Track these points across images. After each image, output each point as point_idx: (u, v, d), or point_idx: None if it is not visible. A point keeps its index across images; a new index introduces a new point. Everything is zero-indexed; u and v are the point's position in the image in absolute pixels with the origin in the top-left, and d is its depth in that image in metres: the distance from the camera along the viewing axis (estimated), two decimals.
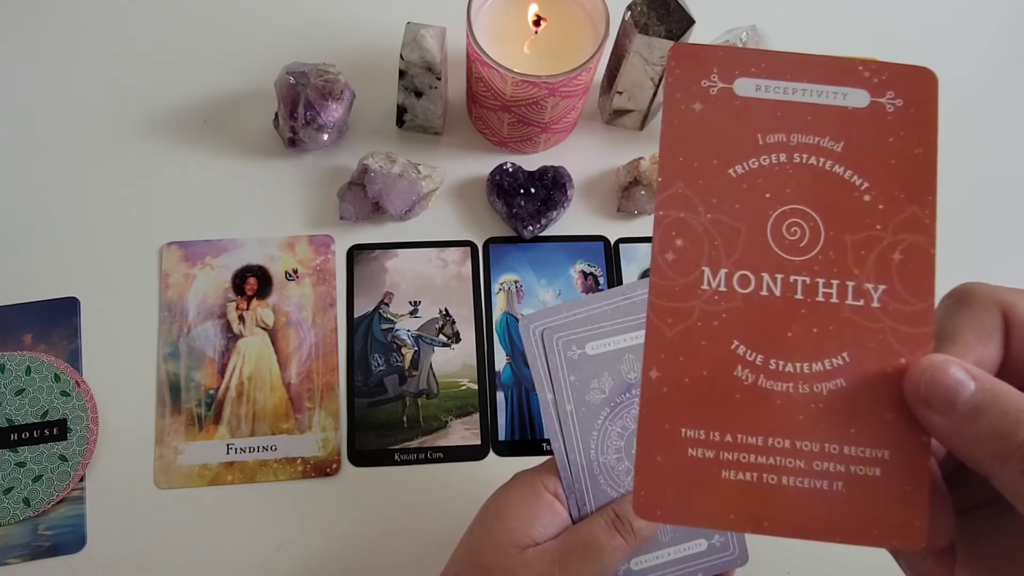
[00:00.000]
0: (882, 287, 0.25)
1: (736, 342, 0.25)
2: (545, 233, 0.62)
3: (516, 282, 0.61)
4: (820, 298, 0.25)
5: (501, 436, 0.57)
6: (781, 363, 0.25)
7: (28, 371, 0.55)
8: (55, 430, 0.54)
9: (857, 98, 0.26)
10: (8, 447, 0.53)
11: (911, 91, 0.26)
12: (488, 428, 0.57)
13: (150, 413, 0.56)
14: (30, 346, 0.56)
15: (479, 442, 0.57)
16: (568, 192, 0.61)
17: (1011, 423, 0.22)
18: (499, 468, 0.56)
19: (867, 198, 0.25)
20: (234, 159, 0.62)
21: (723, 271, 0.25)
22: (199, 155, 0.62)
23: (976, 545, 0.27)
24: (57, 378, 0.55)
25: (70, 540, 0.53)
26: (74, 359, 0.56)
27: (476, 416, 0.57)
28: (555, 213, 0.60)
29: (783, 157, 0.25)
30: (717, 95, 0.26)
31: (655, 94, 0.60)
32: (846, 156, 0.25)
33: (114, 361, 0.57)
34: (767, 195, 0.25)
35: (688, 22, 0.55)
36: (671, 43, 0.55)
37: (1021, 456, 0.22)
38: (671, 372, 0.25)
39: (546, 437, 0.56)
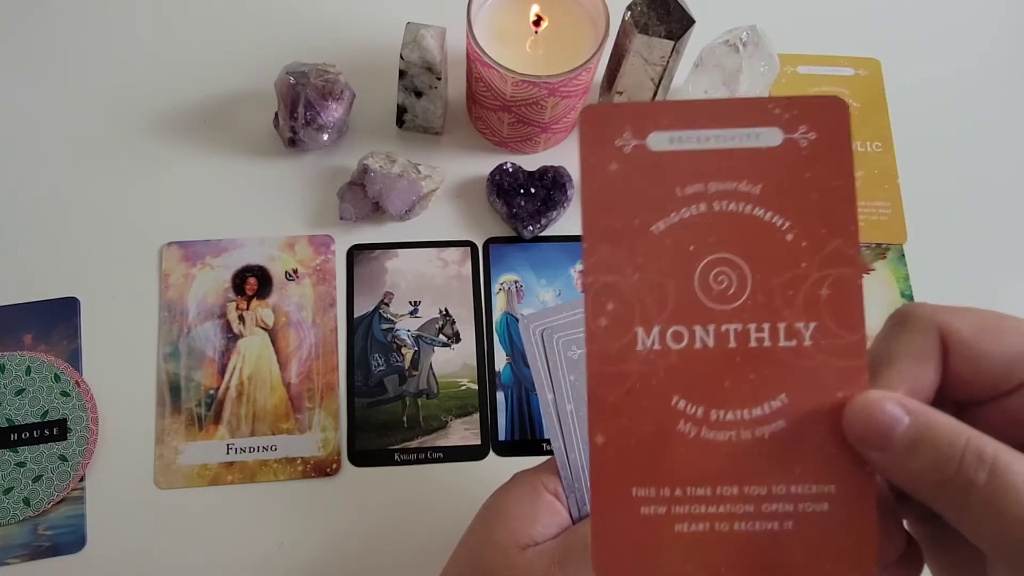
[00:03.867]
0: (813, 324, 0.25)
1: (676, 398, 0.25)
2: (545, 233, 0.62)
3: (516, 282, 0.61)
4: (753, 343, 0.25)
5: (501, 436, 0.57)
6: (722, 412, 0.25)
7: (28, 371, 0.55)
8: (55, 430, 0.54)
9: (770, 137, 0.25)
10: (8, 447, 0.53)
11: (823, 123, 0.25)
12: (488, 428, 0.57)
13: (150, 413, 0.56)
14: (30, 346, 0.56)
15: (479, 442, 0.57)
16: (568, 192, 0.61)
17: (944, 456, 0.22)
18: (499, 468, 0.56)
19: (790, 237, 0.25)
20: (234, 159, 0.62)
21: (656, 329, 0.25)
22: (199, 155, 0.62)
23: (942, 548, 0.27)
24: (57, 378, 0.55)
25: (70, 540, 0.53)
26: (74, 359, 0.56)
27: (476, 416, 0.57)
28: (555, 213, 0.60)
29: (703, 207, 0.25)
30: (631, 153, 0.26)
31: (655, 94, 0.60)
32: (764, 197, 0.25)
33: (114, 361, 0.57)
34: (691, 248, 0.25)
35: (688, 22, 0.55)
36: (671, 43, 0.55)
37: (954, 488, 0.22)
38: (616, 436, 0.25)
39: (546, 437, 0.56)
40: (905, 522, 0.28)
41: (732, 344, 0.25)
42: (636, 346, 0.25)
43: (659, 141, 0.26)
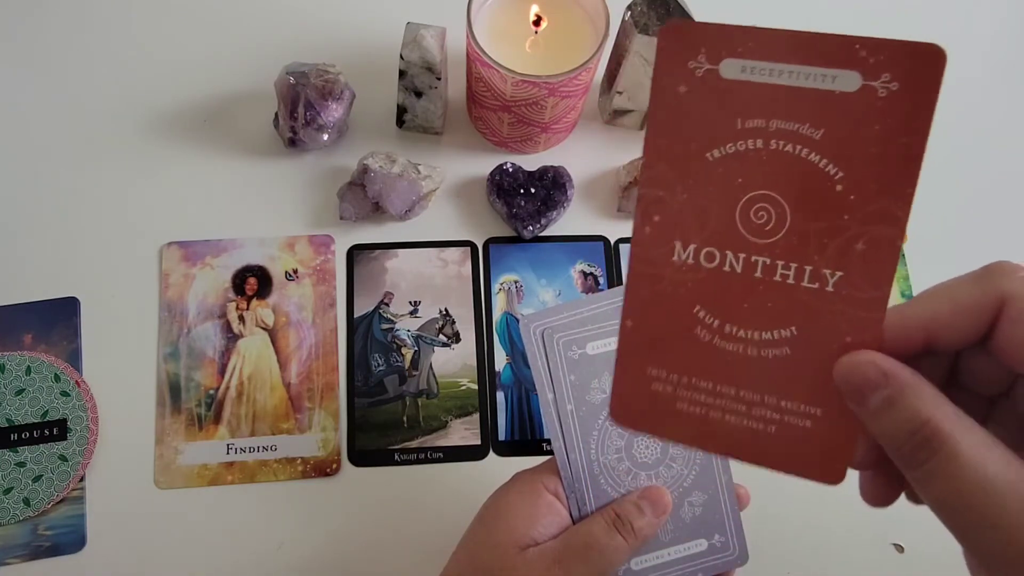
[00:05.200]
0: (839, 274, 0.26)
1: (698, 307, 0.27)
2: (545, 233, 0.62)
3: (516, 282, 0.61)
4: (777, 278, 0.26)
5: (501, 436, 0.57)
6: (735, 328, 0.27)
7: (28, 371, 0.55)
8: (55, 430, 0.54)
9: (847, 81, 0.25)
10: (8, 447, 0.53)
11: (910, 73, 0.24)
12: (488, 428, 0.57)
13: (150, 413, 0.56)
14: (30, 346, 0.56)
15: (479, 442, 0.57)
16: (568, 192, 0.61)
17: (903, 429, 0.24)
18: (499, 468, 0.56)
19: (839, 188, 0.25)
20: (234, 159, 0.62)
21: (692, 246, 0.27)
22: (199, 155, 0.62)
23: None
24: (57, 378, 0.55)
25: (70, 540, 0.53)
26: (74, 359, 0.56)
27: (476, 416, 0.57)
28: (555, 213, 0.60)
29: (760, 143, 0.26)
30: (702, 77, 0.26)
31: None
32: (824, 144, 0.25)
33: (114, 361, 0.57)
34: (739, 180, 0.26)
35: None
36: None
37: (906, 458, 0.24)
38: (642, 324, 0.28)
39: (546, 437, 0.56)
40: None
41: (758, 274, 0.27)
42: (672, 256, 0.27)
43: (731, 69, 0.26)
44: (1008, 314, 0.25)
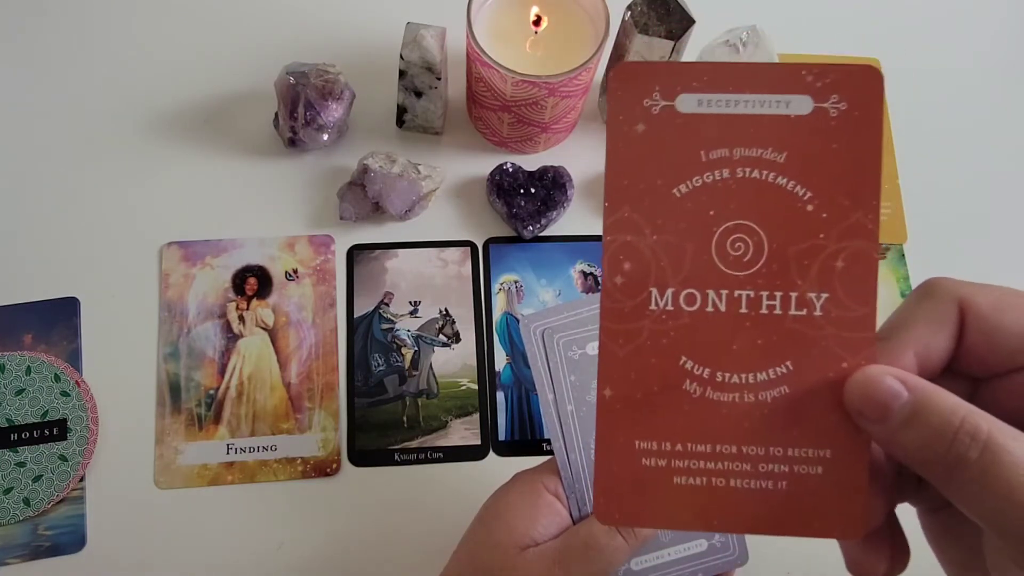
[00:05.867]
0: (824, 295, 0.25)
1: (684, 358, 0.26)
2: (545, 233, 0.62)
3: (516, 282, 0.61)
4: (764, 310, 0.25)
5: (501, 436, 0.57)
6: (727, 375, 0.26)
7: (28, 371, 0.55)
8: (55, 430, 0.54)
9: (800, 105, 0.25)
10: (8, 447, 0.53)
11: (855, 93, 0.25)
12: (488, 428, 0.57)
13: (150, 413, 0.56)
14: (30, 346, 0.56)
15: (479, 442, 0.57)
16: (568, 192, 0.61)
17: (938, 433, 0.23)
18: (499, 468, 0.56)
19: (810, 207, 0.25)
20: (234, 159, 0.62)
21: (670, 291, 0.26)
22: (199, 155, 0.62)
23: (953, 537, 0.27)
24: (57, 378, 0.55)
25: (70, 540, 0.53)
26: (74, 359, 0.56)
27: (476, 416, 0.57)
28: (555, 213, 0.60)
29: (726, 172, 0.25)
30: (659, 114, 0.26)
31: None
32: (789, 166, 0.25)
33: (114, 361, 0.57)
34: (711, 212, 0.26)
35: (688, 22, 0.55)
36: (671, 43, 0.55)
37: (947, 464, 0.22)
38: (623, 389, 0.26)
39: (546, 437, 0.56)
40: (916, 511, 0.28)
41: (743, 310, 0.25)
42: (649, 305, 0.26)
43: (687, 103, 0.26)
44: (971, 318, 0.25)
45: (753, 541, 0.44)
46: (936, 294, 0.26)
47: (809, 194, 0.25)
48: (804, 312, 0.25)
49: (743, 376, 0.26)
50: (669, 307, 0.26)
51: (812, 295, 0.25)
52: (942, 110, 0.68)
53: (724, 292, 0.26)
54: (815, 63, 0.25)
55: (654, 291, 0.26)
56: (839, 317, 0.25)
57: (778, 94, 0.25)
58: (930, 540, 0.28)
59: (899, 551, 0.27)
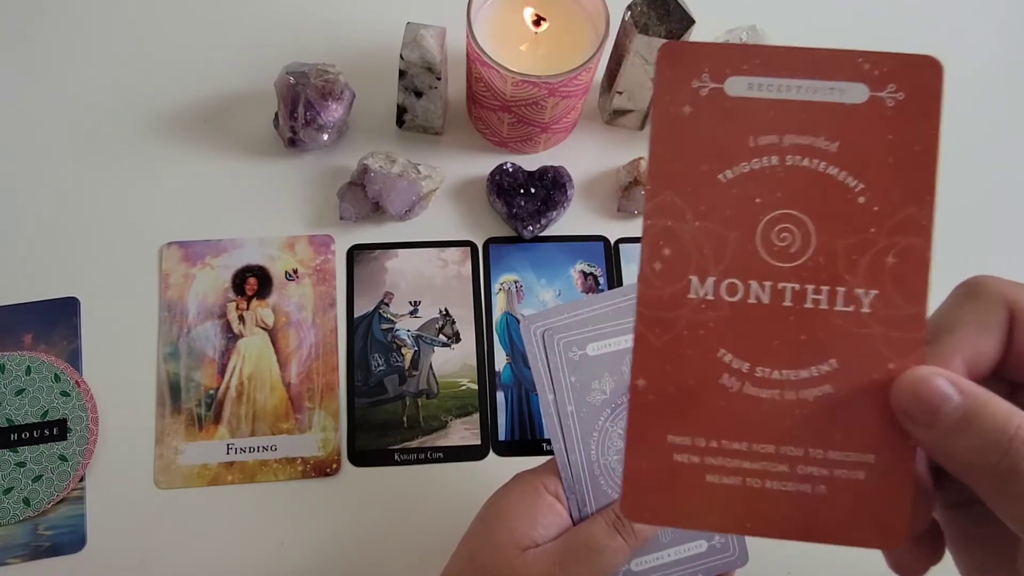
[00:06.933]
0: (873, 292, 0.24)
1: (723, 351, 0.25)
2: (545, 233, 0.62)
3: (516, 282, 0.61)
4: (809, 304, 0.24)
5: (501, 436, 0.57)
6: (768, 371, 0.24)
7: (28, 371, 0.55)
8: (55, 430, 0.54)
9: (855, 93, 0.24)
10: (8, 447, 0.53)
11: (913, 83, 0.24)
12: (488, 428, 0.57)
13: (150, 413, 0.56)
14: (30, 346, 0.56)
15: (479, 442, 0.57)
16: (568, 192, 0.61)
17: (992, 441, 0.22)
18: (499, 468, 0.56)
19: (862, 200, 0.24)
20: (234, 159, 0.62)
21: (711, 279, 0.25)
22: (199, 155, 0.62)
23: (972, 539, 0.27)
24: (57, 378, 0.55)
25: (70, 540, 0.53)
26: (74, 359, 0.56)
27: (476, 416, 0.57)
28: (555, 213, 0.60)
29: (775, 160, 0.25)
30: (707, 96, 0.25)
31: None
32: (841, 156, 0.24)
33: (114, 361, 0.57)
34: (757, 200, 0.25)
35: (688, 22, 0.55)
36: None
37: (999, 474, 0.22)
38: (657, 381, 0.25)
39: (546, 437, 0.56)
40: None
41: (787, 303, 0.24)
42: (688, 294, 0.25)
43: (737, 86, 0.25)
44: (1022, 321, 0.24)
45: (753, 542, 0.44)
46: (982, 295, 0.25)
47: (861, 186, 0.24)
48: (851, 309, 0.24)
49: (784, 372, 0.24)
50: (709, 296, 0.25)
51: (860, 291, 0.24)
52: (943, 109, 0.68)
53: (768, 284, 0.24)
54: (872, 51, 0.24)
55: (694, 279, 0.25)
56: (888, 316, 0.24)
57: (832, 81, 0.24)
58: (947, 539, 0.27)
59: (938, 544, 0.26)
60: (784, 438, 0.24)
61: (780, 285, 0.24)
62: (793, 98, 0.25)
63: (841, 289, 0.24)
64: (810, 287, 0.24)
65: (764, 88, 0.25)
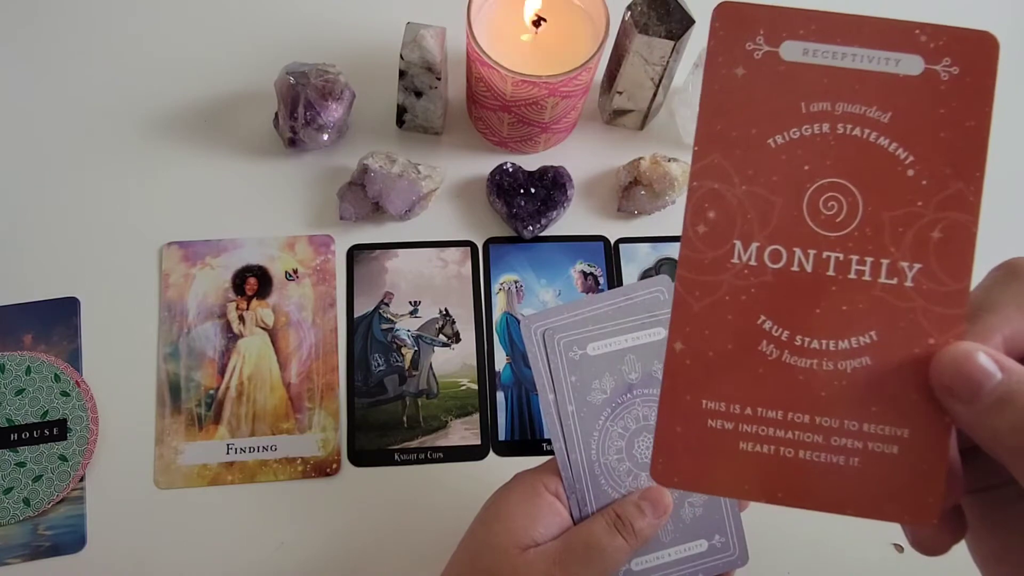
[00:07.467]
0: (917, 266, 0.24)
1: (763, 317, 0.24)
2: (545, 233, 0.62)
3: (516, 282, 0.61)
4: (852, 275, 0.24)
5: (501, 436, 0.57)
6: (807, 340, 0.24)
7: (28, 371, 0.55)
8: (55, 430, 0.54)
9: (910, 65, 0.24)
10: (8, 447, 0.53)
11: (969, 58, 0.24)
12: (488, 428, 0.57)
13: (150, 413, 0.56)
14: (30, 346, 0.56)
15: (479, 442, 0.57)
16: (568, 192, 0.61)
17: None
18: (499, 468, 0.56)
19: (911, 172, 0.24)
20: (234, 159, 0.62)
21: (755, 245, 0.24)
22: (199, 155, 0.62)
23: (991, 525, 0.26)
24: (57, 378, 0.55)
25: (70, 540, 0.53)
26: (74, 359, 0.56)
27: (476, 416, 0.57)
28: (555, 213, 0.60)
29: (826, 127, 0.24)
30: (761, 59, 0.25)
31: (655, 94, 0.60)
32: (893, 127, 0.24)
33: (114, 361, 0.57)
34: (806, 167, 0.24)
35: (688, 22, 0.55)
36: (671, 43, 0.55)
37: None
38: (695, 345, 0.25)
39: (547, 437, 0.56)
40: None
41: (831, 272, 0.24)
42: (731, 258, 0.25)
43: (792, 51, 0.25)
44: None
45: (753, 541, 0.44)
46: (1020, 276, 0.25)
47: (911, 158, 0.24)
48: (894, 281, 0.24)
49: (824, 342, 0.24)
50: (752, 262, 0.24)
51: (904, 264, 0.24)
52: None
53: (812, 252, 0.24)
54: (930, 23, 0.24)
55: (738, 244, 0.25)
56: (931, 290, 0.24)
57: (888, 51, 0.24)
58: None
59: (961, 523, 0.26)
60: (820, 408, 0.24)
61: (824, 254, 0.24)
62: (848, 66, 0.24)
63: (885, 261, 0.24)
64: (854, 257, 0.24)
65: (819, 54, 0.25)
